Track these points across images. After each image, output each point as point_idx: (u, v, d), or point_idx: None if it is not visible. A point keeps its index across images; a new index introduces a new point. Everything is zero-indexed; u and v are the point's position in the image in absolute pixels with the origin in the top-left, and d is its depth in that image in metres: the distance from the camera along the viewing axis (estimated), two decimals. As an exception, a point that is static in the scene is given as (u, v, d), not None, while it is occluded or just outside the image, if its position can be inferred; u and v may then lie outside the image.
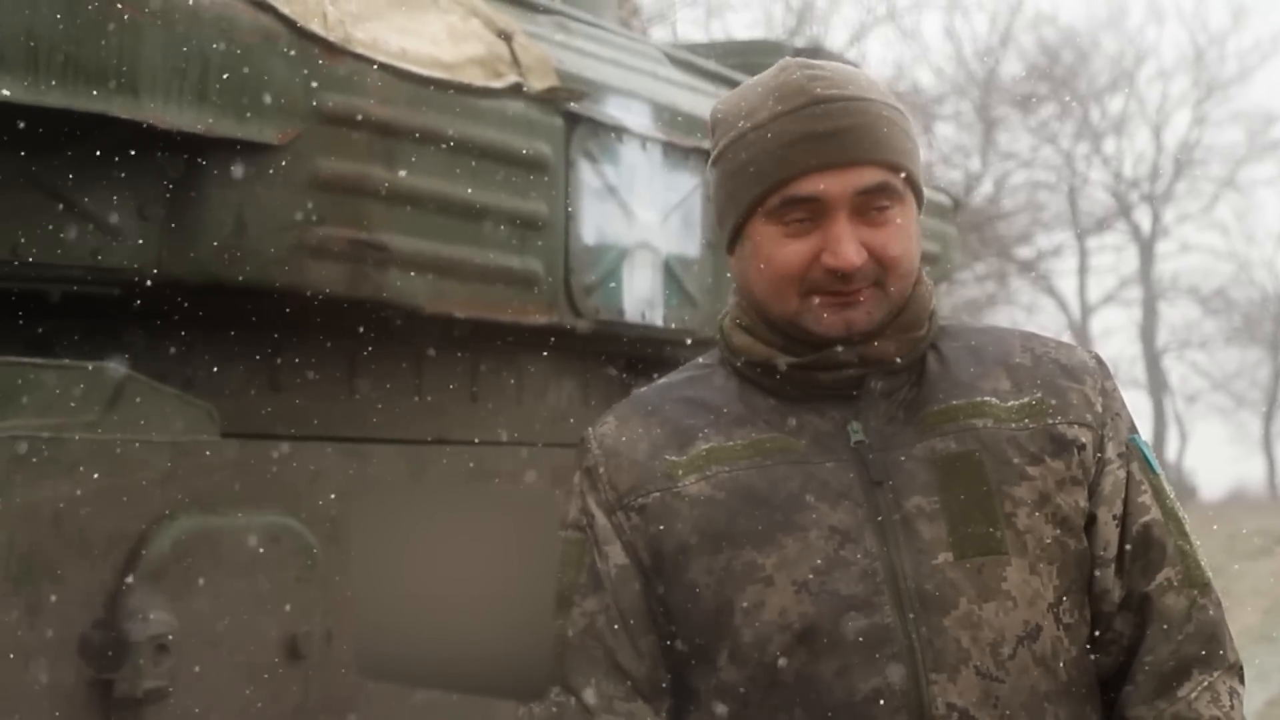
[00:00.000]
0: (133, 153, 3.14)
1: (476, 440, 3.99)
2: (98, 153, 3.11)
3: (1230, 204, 56.94)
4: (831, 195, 1.91)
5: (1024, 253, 31.76)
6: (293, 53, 3.28)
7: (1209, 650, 1.98)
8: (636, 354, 4.56)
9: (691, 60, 4.99)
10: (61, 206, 3.11)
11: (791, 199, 1.92)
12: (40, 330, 3.24)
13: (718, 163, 2.02)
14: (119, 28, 2.98)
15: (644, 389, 2.09)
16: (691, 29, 25.18)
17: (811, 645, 1.86)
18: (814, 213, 1.92)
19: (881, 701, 1.83)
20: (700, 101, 4.53)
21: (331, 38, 3.36)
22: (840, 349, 1.94)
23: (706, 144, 2.07)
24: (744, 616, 1.88)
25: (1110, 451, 2.00)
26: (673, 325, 4.35)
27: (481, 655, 3.65)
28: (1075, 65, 36.77)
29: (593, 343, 4.27)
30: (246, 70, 3.19)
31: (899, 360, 1.96)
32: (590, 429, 2.04)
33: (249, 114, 3.20)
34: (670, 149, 4.32)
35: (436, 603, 3.59)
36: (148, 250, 3.20)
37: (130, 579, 2.95)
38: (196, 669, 3.03)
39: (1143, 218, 41.60)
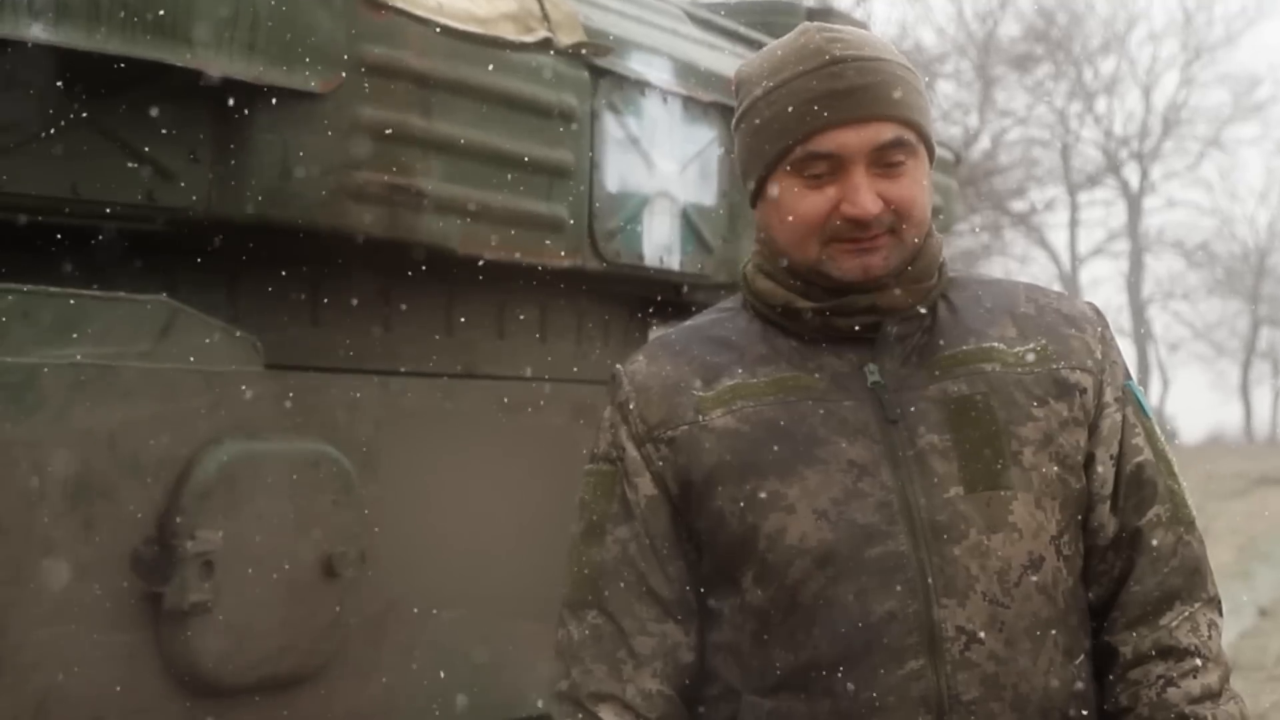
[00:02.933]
0: (185, 98, 3.15)
1: (503, 375, 4.01)
2: (152, 98, 3.11)
3: (1215, 162, 56.74)
4: (850, 150, 1.91)
5: (1018, 206, 31.66)
6: (336, 6, 3.28)
7: (1191, 583, 1.99)
8: (654, 296, 4.57)
9: (710, 19, 4.96)
10: (118, 148, 3.12)
11: (812, 154, 1.92)
12: (96, 265, 3.25)
13: (742, 120, 2.02)
14: (174, -20, 2.98)
15: (671, 330, 2.09)
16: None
17: (830, 569, 1.87)
18: (833, 167, 1.92)
19: (895, 623, 1.85)
20: (718, 58, 4.51)
21: (372, -8, 3.36)
22: (856, 296, 1.95)
23: (725, 99, 2.06)
24: (767, 542, 1.89)
25: (1108, 395, 2.01)
26: (689, 270, 4.36)
27: (504, 576, 3.68)
28: (1070, 27, 36.58)
29: (613, 284, 4.28)
30: (292, 22, 3.19)
31: (912, 307, 1.98)
32: (621, 367, 2.05)
33: (294, 64, 3.21)
34: (690, 103, 4.31)
35: (463, 526, 3.62)
36: (198, 191, 3.21)
37: (179, 500, 2.98)
38: (239, 585, 3.06)
39: (1131, 174, 41.62)
